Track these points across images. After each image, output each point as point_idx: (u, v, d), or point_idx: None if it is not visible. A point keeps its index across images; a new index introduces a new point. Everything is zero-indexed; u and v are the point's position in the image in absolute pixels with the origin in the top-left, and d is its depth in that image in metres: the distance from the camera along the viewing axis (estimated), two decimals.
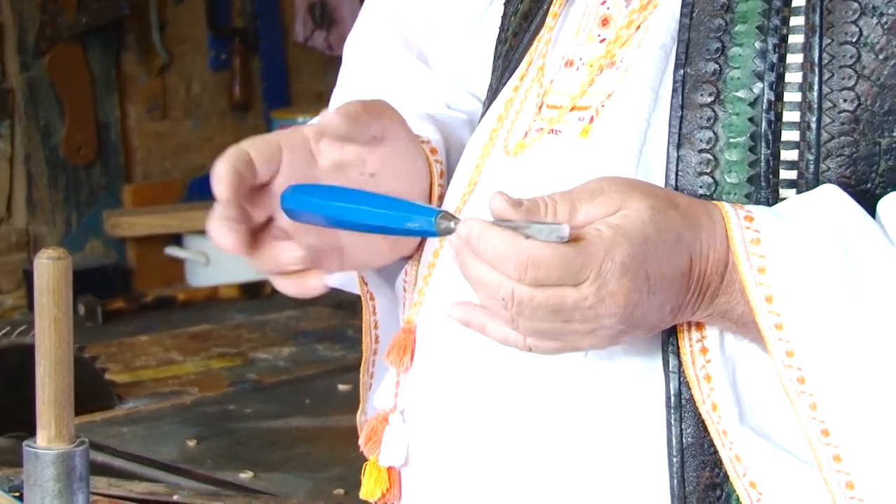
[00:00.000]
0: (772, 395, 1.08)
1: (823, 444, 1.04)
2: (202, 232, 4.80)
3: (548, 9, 1.28)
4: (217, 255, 4.70)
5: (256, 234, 1.20)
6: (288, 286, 1.22)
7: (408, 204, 1.14)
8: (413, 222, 1.09)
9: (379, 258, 1.29)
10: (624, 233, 1.02)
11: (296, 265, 1.19)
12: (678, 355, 1.11)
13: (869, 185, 1.09)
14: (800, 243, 1.05)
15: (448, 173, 1.32)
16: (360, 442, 1.31)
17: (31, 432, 1.26)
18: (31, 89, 4.61)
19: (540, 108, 1.23)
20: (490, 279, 1.03)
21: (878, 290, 1.04)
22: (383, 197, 1.16)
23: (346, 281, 1.38)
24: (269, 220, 1.22)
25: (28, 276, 4.40)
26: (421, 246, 1.31)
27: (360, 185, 1.23)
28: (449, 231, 1.06)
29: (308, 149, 1.22)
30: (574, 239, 1.02)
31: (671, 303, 1.05)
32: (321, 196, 1.17)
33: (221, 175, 1.18)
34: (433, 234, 1.08)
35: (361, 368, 1.38)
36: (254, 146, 1.20)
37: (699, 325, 1.10)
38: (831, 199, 1.07)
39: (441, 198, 1.30)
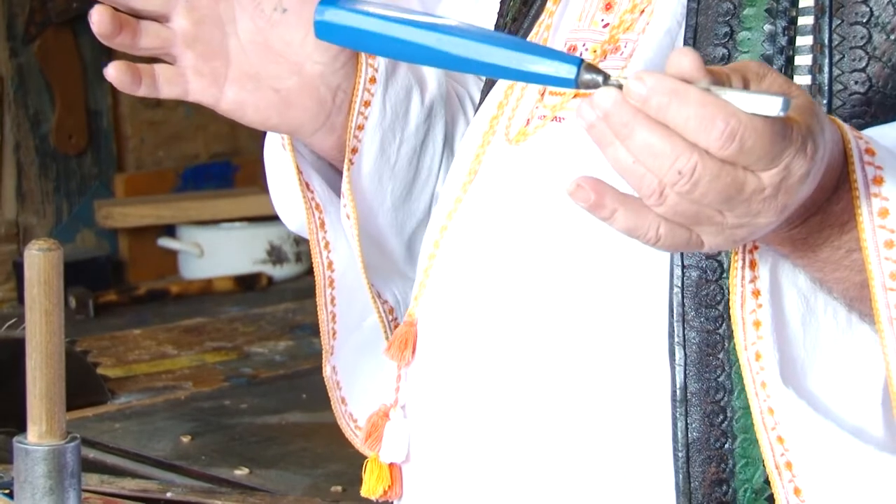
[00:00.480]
0: (808, 348, 1.07)
1: None
2: (196, 223, 4.82)
3: None
4: (211, 246, 4.71)
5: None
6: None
7: (533, 45, 0.98)
8: (544, 64, 0.93)
9: (265, 101, 1.25)
10: (812, 129, 0.95)
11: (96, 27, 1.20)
12: (684, 347, 1.11)
13: None
14: None
15: (386, 88, 1.29)
16: (361, 438, 1.31)
17: (21, 428, 1.27)
18: (21, 76, 4.61)
19: (542, 94, 1.23)
20: (668, 146, 0.90)
21: None
22: (486, 32, 0.98)
23: (305, 228, 1.36)
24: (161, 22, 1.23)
25: (18, 268, 4.40)
26: (342, 154, 1.29)
27: (271, 22, 1.23)
28: (594, 85, 0.93)
29: None
30: (780, 119, 0.92)
31: (791, 211, 0.99)
32: (396, 20, 1.00)
33: None
34: (570, 84, 0.93)
35: (318, 301, 1.34)
36: None
37: (752, 263, 1.06)
38: None
39: (366, 104, 1.29)
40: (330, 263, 1.33)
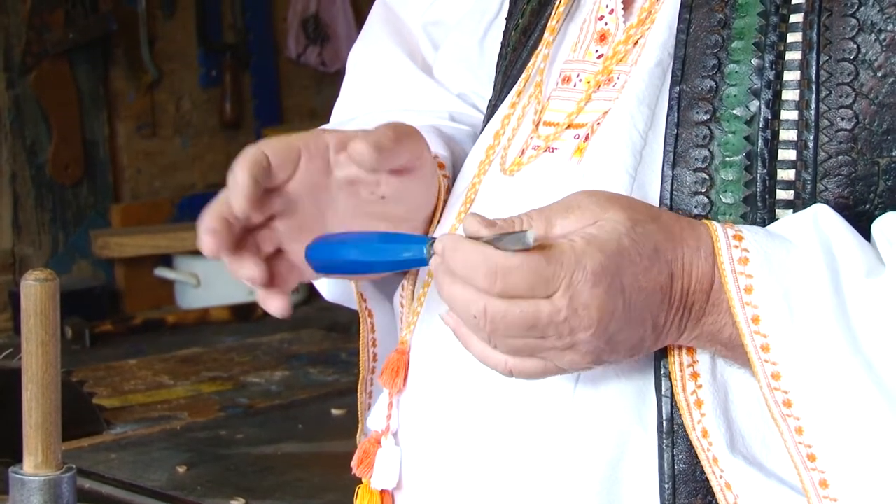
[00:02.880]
0: (765, 422, 1.09)
1: (809, 468, 1.05)
2: (192, 253, 4.83)
3: (546, 24, 1.29)
4: (208, 276, 4.70)
5: (247, 236, 1.20)
6: (262, 300, 1.23)
7: (403, 235, 1.17)
8: (408, 252, 1.11)
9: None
10: (596, 242, 1.03)
11: (251, 282, 1.20)
12: (670, 378, 1.11)
13: (867, 206, 1.10)
14: (789, 265, 1.05)
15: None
16: (353, 464, 1.31)
17: (17, 458, 1.27)
18: (18, 107, 4.62)
19: (537, 125, 1.24)
20: (462, 296, 1.03)
21: (868, 314, 1.04)
22: (382, 233, 1.18)
23: (345, 297, 1.39)
24: (270, 220, 1.21)
25: (14, 299, 4.40)
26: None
27: (369, 204, 1.23)
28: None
29: (326, 157, 1.22)
30: (545, 249, 1.02)
31: (651, 320, 1.05)
32: (334, 243, 1.20)
33: (239, 184, 1.17)
34: (424, 263, 1.10)
35: (359, 387, 1.38)
36: (273, 150, 1.20)
37: (690, 350, 1.10)
38: (823, 219, 1.08)
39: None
40: (374, 356, 1.38)
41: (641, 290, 1.04)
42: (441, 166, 1.31)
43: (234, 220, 1.18)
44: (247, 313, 4.53)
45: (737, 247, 1.06)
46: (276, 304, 1.21)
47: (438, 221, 1.29)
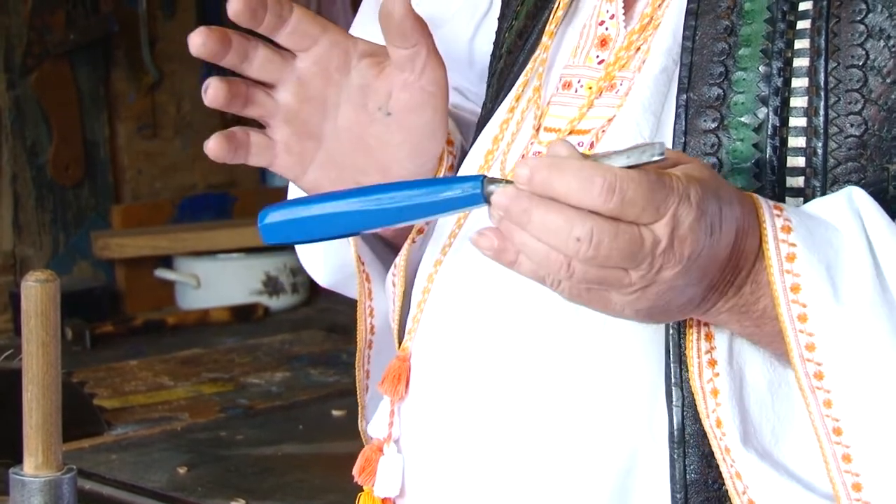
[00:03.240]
0: (775, 413, 1.08)
1: (834, 442, 1.04)
2: (193, 254, 4.82)
3: (543, 28, 1.28)
4: (208, 277, 4.70)
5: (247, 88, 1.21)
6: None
7: (437, 179, 1.10)
8: (455, 189, 1.00)
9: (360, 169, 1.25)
10: (696, 177, 0.99)
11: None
12: (682, 388, 1.10)
13: None
14: (830, 241, 1.04)
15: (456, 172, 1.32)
16: (355, 472, 1.31)
17: (17, 459, 1.26)
18: (18, 107, 4.62)
19: (538, 130, 1.23)
20: (562, 219, 0.95)
21: None
22: (400, 182, 1.08)
23: (339, 281, 1.38)
24: (272, 88, 1.22)
25: (15, 300, 4.40)
26: (408, 234, 1.31)
27: (371, 124, 1.22)
28: None
29: (349, 54, 1.21)
30: (656, 172, 0.97)
31: (711, 275, 1.02)
32: (310, 203, 1.09)
33: None
34: (479, 201, 1.00)
35: (357, 362, 1.37)
36: (302, 12, 1.20)
37: (709, 335, 1.09)
38: (858, 201, 1.07)
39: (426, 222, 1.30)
40: (372, 328, 1.36)
41: (721, 237, 1.01)
42: (450, 143, 1.30)
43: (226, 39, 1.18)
44: (247, 314, 4.53)
45: (779, 216, 1.05)
46: (214, 143, 1.23)
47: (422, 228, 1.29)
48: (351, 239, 1.32)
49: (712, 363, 1.09)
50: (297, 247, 1.41)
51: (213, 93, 1.20)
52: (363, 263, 1.34)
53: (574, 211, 0.95)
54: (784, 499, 1.08)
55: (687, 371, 1.10)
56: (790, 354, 1.04)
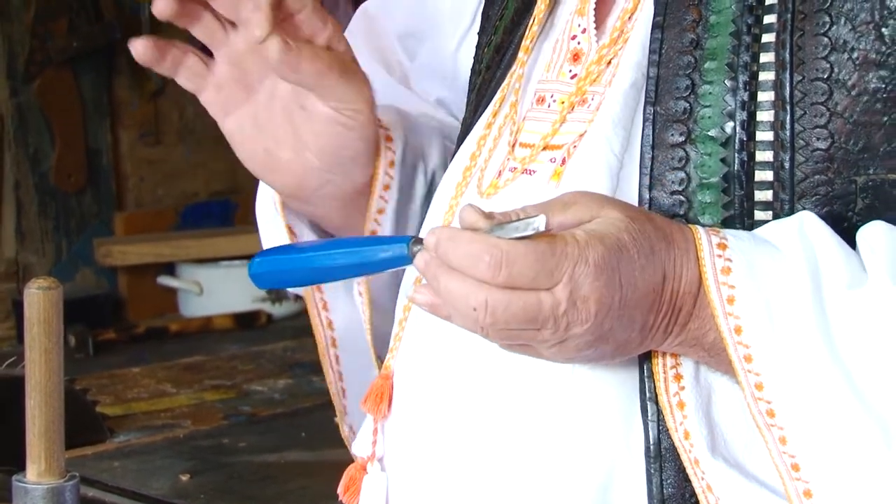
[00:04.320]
0: (748, 427, 1.08)
1: (793, 478, 1.04)
2: (195, 261, 4.82)
3: (520, 43, 1.27)
4: (210, 284, 4.70)
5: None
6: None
7: (374, 238, 1.15)
8: (386, 251, 1.07)
9: (253, 152, 1.30)
10: (598, 236, 1.02)
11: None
12: (657, 402, 1.10)
13: (846, 224, 1.08)
14: (772, 273, 1.05)
15: (402, 168, 1.32)
16: (340, 490, 1.31)
17: (20, 466, 1.26)
18: (21, 115, 4.62)
19: (513, 146, 1.23)
20: (461, 288, 1.01)
21: (848, 325, 1.03)
22: (353, 238, 1.17)
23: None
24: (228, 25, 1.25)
25: (17, 307, 4.39)
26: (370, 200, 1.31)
27: (301, 103, 1.25)
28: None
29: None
30: (548, 239, 1.01)
31: (641, 320, 1.04)
32: (289, 252, 1.18)
33: None
34: (407, 262, 1.07)
35: (322, 363, 1.37)
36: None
37: (674, 353, 1.09)
38: (808, 226, 1.07)
39: (386, 187, 1.31)
40: (329, 323, 1.36)
41: (637, 288, 1.03)
42: (389, 139, 1.31)
43: None
44: (250, 321, 4.53)
45: (720, 256, 1.05)
46: (140, 45, 1.24)
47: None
48: (284, 227, 1.34)
49: (678, 377, 1.10)
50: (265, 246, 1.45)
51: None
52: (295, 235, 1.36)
53: (472, 281, 1.00)
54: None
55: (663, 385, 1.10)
56: (743, 392, 1.05)
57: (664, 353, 1.10)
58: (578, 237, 1.01)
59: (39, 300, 1.23)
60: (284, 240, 1.34)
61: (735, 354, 1.04)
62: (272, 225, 1.37)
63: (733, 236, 1.07)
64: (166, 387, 3.69)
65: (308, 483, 2.78)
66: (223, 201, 5.09)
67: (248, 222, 4.94)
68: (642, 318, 1.04)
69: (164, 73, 1.25)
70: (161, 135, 5.00)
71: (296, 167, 1.27)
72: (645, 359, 1.11)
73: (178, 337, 4.43)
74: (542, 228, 1.00)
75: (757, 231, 1.09)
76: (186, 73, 1.25)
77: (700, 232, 1.07)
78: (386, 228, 1.32)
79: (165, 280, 4.76)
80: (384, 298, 1.35)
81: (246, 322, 4.53)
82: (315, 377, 3.71)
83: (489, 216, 1.02)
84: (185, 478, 2.84)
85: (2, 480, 2.46)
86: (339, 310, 1.36)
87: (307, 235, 1.35)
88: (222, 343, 4.30)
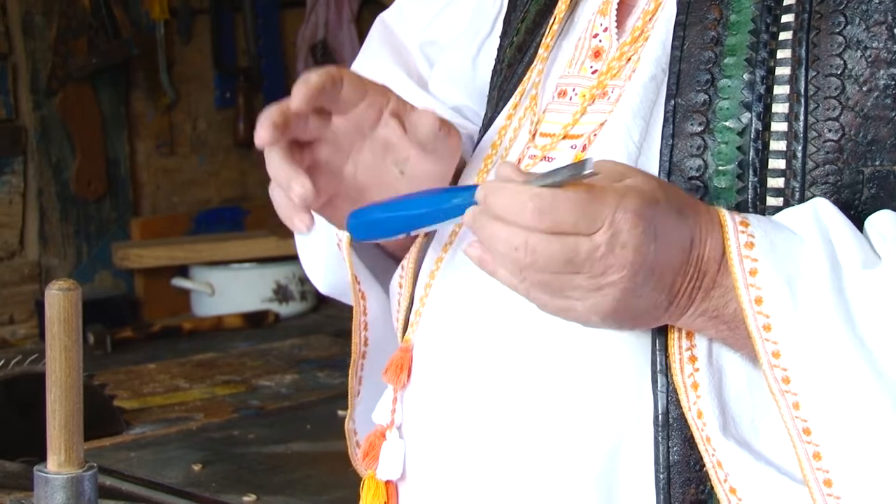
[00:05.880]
0: (753, 406, 1.09)
1: (804, 441, 1.04)
2: (208, 264, 4.82)
3: (541, 41, 1.29)
4: (222, 286, 4.70)
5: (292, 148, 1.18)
6: (281, 205, 1.19)
7: (453, 188, 1.16)
8: (457, 197, 1.08)
9: None
10: (635, 189, 1.02)
11: (301, 194, 1.16)
12: (667, 375, 1.11)
13: (852, 212, 1.10)
14: (791, 252, 1.05)
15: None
16: (358, 456, 1.31)
17: (41, 457, 1.26)
18: (44, 127, 4.62)
19: (534, 135, 1.24)
20: (504, 231, 1.01)
21: (864, 301, 1.04)
22: (434, 189, 1.18)
23: (339, 290, 1.38)
24: (311, 144, 1.20)
25: (40, 307, 4.39)
26: (415, 242, 1.31)
27: (385, 173, 1.23)
28: None
29: (380, 114, 1.21)
30: (589, 188, 1.01)
31: (670, 280, 1.04)
32: (376, 205, 1.19)
33: (310, 83, 1.15)
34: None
35: (350, 371, 1.37)
36: (351, 79, 1.18)
37: (689, 334, 1.10)
38: (822, 211, 1.07)
39: None
40: (366, 340, 1.37)
41: (669, 244, 1.03)
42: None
43: (290, 117, 1.15)
44: (259, 321, 4.53)
45: (743, 232, 1.06)
46: (303, 219, 1.17)
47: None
48: (347, 258, 1.34)
49: (693, 359, 1.10)
50: (301, 257, 1.45)
51: (265, 134, 1.17)
52: (359, 283, 1.35)
53: (515, 226, 1.01)
54: (763, 484, 1.08)
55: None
56: (760, 360, 1.05)
57: (680, 335, 1.10)
58: (617, 188, 1.01)
59: (60, 301, 1.23)
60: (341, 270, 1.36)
61: (754, 324, 1.04)
62: (318, 248, 1.38)
63: (753, 217, 1.08)
64: (180, 382, 3.69)
65: (312, 472, 2.78)
66: (234, 208, 5.09)
67: (257, 227, 4.95)
68: (671, 278, 1.04)
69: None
70: (175, 145, 4.99)
71: None
72: (658, 334, 1.11)
73: (191, 335, 4.43)
74: (591, 168, 0.99)
75: (774, 217, 1.09)
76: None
77: (723, 210, 1.08)
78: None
79: (179, 282, 4.76)
80: None
81: (255, 321, 4.53)
82: (320, 373, 3.71)
83: (522, 172, 1.03)
84: (197, 468, 2.84)
85: (24, 470, 2.46)
86: (375, 329, 1.37)
87: (360, 269, 1.35)
88: (233, 341, 4.30)
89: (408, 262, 1.31)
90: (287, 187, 1.16)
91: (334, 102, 1.18)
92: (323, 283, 1.42)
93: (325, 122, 1.20)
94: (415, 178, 1.22)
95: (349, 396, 1.38)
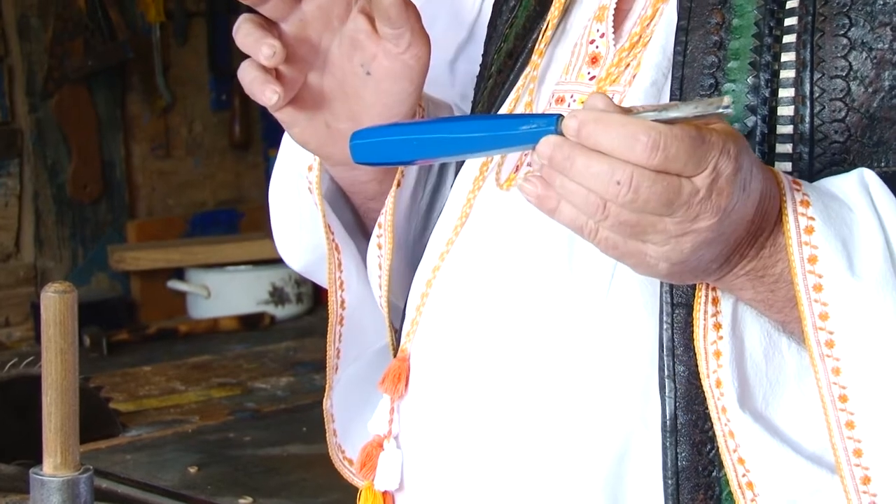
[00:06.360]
0: (768, 380, 1.08)
1: (839, 409, 1.03)
2: (204, 266, 4.82)
3: (533, 47, 1.28)
4: (218, 288, 4.70)
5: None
6: (250, 79, 1.20)
7: (518, 115, 1.09)
8: (530, 125, 0.99)
9: (314, 129, 1.25)
10: (732, 134, 0.99)
11: (268, 53, 1.17)
12: (674, 380, 1.10)
13: None
14: (843, 216, 1.04)
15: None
16: (356, 466, 1.30)
17: (37, 460, 1.26)
18: (39, 129, 4.61)
19: None
20: (605, 165, 0.95)
21: None
22: (480, 115, 1.11)
23: (312, 263, 1.37)
24: (279, 28, 1.21)
25: (35, 310, 4.39)
26: (390, 195, 1.29)
27: (351, 76, 1.23)
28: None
29: (349, 7, 1.22)
30: (695, 127, 0.96)
31: (738, 232, 1.02)
32: (399, 130, 1.10)
33: None
34: (553, 133, 0.98)
35: (328, 338, 1.36)
36: None
37: (715, 300, 1.08)
38: (869, 181, 1.06)
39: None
40: (342, 301, 1.34)
41: (749, 195, 1.00)
42: (420, 106, 1.30)
43: None
44: (254, 323, 4.53)
45: (797, 190, 1.04)
46: (274, 88, 1.19)
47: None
48: (319, 204, 1.31)
49: (717, 326, 1.09)
50: (274, 230, 1.41)
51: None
52: (332, 233, 1.33)
53: (617, 160, 0.95)
54: (771, 457, 1.07)
55: (680, 365, 1.09)
56: (804, 322, 1.03)
57: (707, 300, 1.08)
58: (719, 132, 0.98)
59: (55, 303, 1.22)
60: (315, 222, 1.32)
61: (803, 283, 1.02)
62: (291, 207, 1.35)
63: (805, 182, 1.06)
64: (176, 384, 3.69)
65: (308, 475, 2.77)
66: (229, 210, 5.09)
67: (252, 229, 4.95)
68: (741, 229, 1.02)
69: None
70: (171, 148, 4.99)
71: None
72: (667, 337, 1.10)
73: (187, 338, 4.43)
74: (725, 109, 0.95)
75: (818, 183, 1.08)
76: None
77: (776, 170, 1.06)
78: (407, 181, 1.30)
79: (175, 284, 4.76)
80: (400, 276, 1.34)
81: (251, 323, 4.53)
82: (315, 375, 3.70)
83: (618, 106, 0.97)
84: (193, 470, 2.84)
85: (20, 473, 2.46)
86: (352, 289, 1.35)
87: (333, 219, 1.33)
88: (228, 343, 4.30)
89: (385, 216, 1.30)
90: (256, 51, 1.16)
91: None
92: (298, 253, 1.40)
93: (294, 3, 1.21)
94: (381, 80, 1.22)
95: (327, 371, 1.37)
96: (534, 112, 1.21)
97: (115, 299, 4.71)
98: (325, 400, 1.38)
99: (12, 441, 2.62)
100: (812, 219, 1.03)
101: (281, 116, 1.26)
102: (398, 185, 1.29)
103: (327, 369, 1.37)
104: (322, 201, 1.31)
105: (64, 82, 4.63)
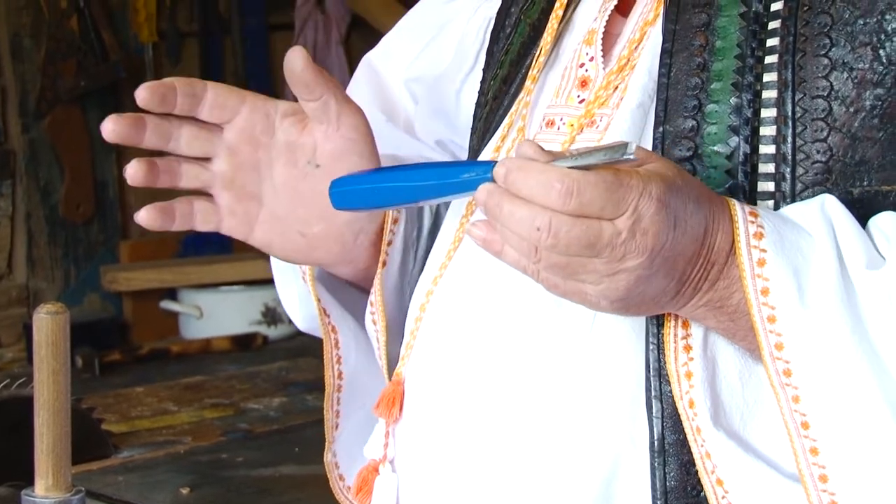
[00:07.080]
0: (744, 400, 1.08)
1: (802, 436, 1.04)
2: (196, 286, 4.81)
3: (526, 73, 1.29)
4: (210, 308, 4.69)
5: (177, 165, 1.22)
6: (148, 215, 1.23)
7: (462, 161, 1.15)
8: (470, 172, 1.05)
9: (292, 242, 1.27)
10: (658, 174, 1.01)
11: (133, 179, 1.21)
12: (661, 400, 1.11)
13: None
14: (799, 246, 1.05)
15: (406, 222, 1.32)
16: (352, 492, 1.31)
17: (29, 481, 1.26)
18: (32, 150, 4.61)
19: None
20: (525, 211, 0.99)
21: (870, 301, 1.04)
22: (436, 162, 1.16)
23: (315, 328, 1.39)
24: (205, 161, 1.23)
25: (28, 330, 4.38)
26: (377, 275, 1.31)
27: (305, 177, 1.24)
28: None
29: (271, 118, 1.23)
30: (613, 172, 0.99)
31: (681, 268, 1.03)
32: (368, 179, 1.15)
33: (162, 82, 1.20)
34: (489, 180, 1.04)
35: (325, 405, 1.37)
36: (217, 88, 1.22)
37: (685, 324, 1.09)
38: (830, 208, 1.07)
39: (395, 221, 1.31)
40: (340, 374, 1.37)
41: (686, 232, 1.02)
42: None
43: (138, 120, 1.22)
44: (247, 343, 4.52)
45: (752, 222, 1.05)
46: (145, 214, 1.22)
47: (392, 233, 1.30)
48: (313, 292, 1.34)
49: (687, 348, 1.10)
50: (280, 296, 1.45)
51: (131, 172, 1.21)
52: (328, 316, 1.35)
53: (538, 206, 0.99)
54: (750, 476, 1.08)
55: (667, 385, 1.10)
56: (762, 352, 1.05)
57: (676, 324, 1.09)
58: (641, 172, 1.00)
59: (47, 324, 1.22)
60: (311, 305, 1.35)
61: (758, 314, 1.04)
62: (292, 284, 1.38)
63: (763, 210, 1.07)
64: (168, 405, 3.68)
65: (301, 495, 2.77)
66: None
67: (245, 249, 4.93)
68: (683, 265, 1.04)
69: (180, 229, 1.23)
70: None
71: (331, 232, 1.26)
72: (654, 358, 1.10)
73: (180, 358, 4.42)
74: (632, 153, 0.97)
75: (781, 210, 1.09)
76: (200, 218, 1.24)
77: (732, 200, 1.07)
78: (393, 258, 1.32)
79: (167, 304, 4.75)
80: (396, 325, 1.35)
81: (243, 344, 4.52)
82: (308, 396, 3.70)
83: (545, 152, 1.01)
84: (185, 491, 2.83)
85: (11, 494, 2.45)
86: (349, 362, 1.37)
87: (330, 302, 1.34)
88: (221, 364, 4.29)
89: (375, 296, 1.31)
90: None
91: (202, 106, 1.21)
92: (300, 319, 1.43)
93: (215, 135, 1.23)
94: (330, 166, 1.23)
95: (326, 429, 1.38)
96: (524, 137, 1.23)
97: (108, 320, 4.70)
98: (325, 453, 1.38)
99: (4, 462, 2.61)
100: (764, 251, 1.04)
101: (254, 243, 1.27)
102: (383, 264, 1.30)
103: (326, 429, 1.38)
104: (315, 289, 1.33)
105: (57, 103, 4.63)
